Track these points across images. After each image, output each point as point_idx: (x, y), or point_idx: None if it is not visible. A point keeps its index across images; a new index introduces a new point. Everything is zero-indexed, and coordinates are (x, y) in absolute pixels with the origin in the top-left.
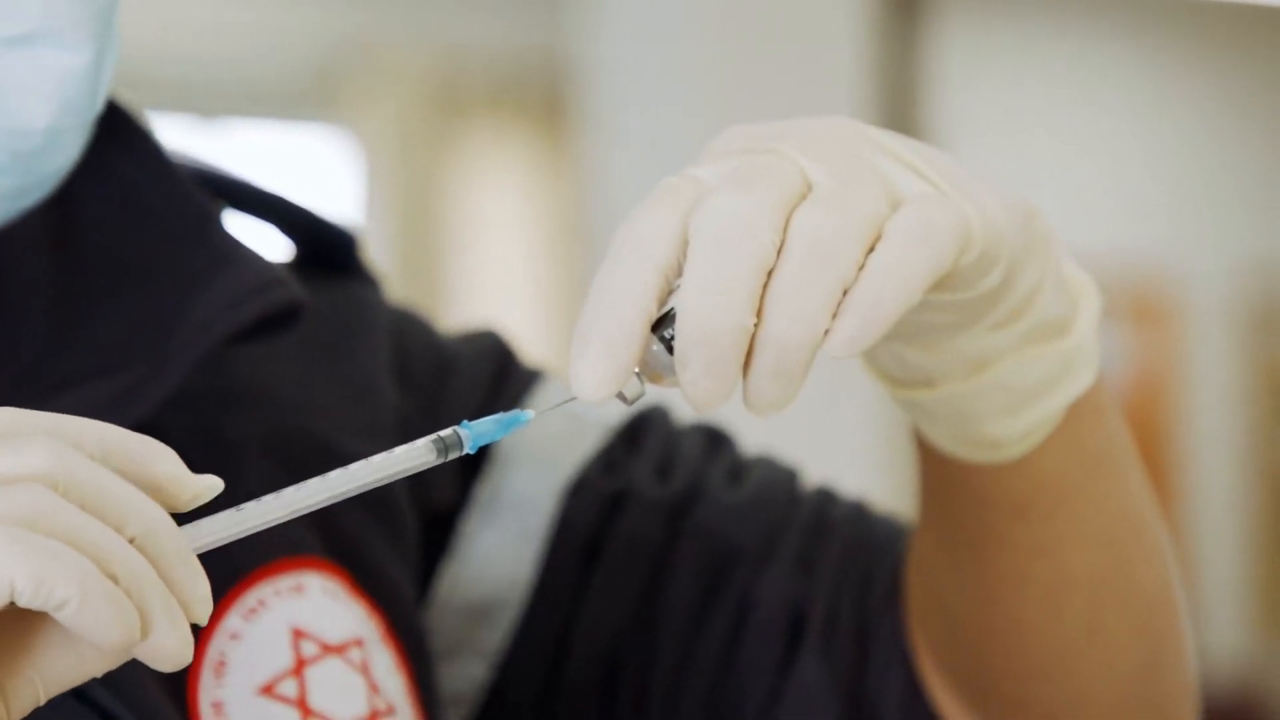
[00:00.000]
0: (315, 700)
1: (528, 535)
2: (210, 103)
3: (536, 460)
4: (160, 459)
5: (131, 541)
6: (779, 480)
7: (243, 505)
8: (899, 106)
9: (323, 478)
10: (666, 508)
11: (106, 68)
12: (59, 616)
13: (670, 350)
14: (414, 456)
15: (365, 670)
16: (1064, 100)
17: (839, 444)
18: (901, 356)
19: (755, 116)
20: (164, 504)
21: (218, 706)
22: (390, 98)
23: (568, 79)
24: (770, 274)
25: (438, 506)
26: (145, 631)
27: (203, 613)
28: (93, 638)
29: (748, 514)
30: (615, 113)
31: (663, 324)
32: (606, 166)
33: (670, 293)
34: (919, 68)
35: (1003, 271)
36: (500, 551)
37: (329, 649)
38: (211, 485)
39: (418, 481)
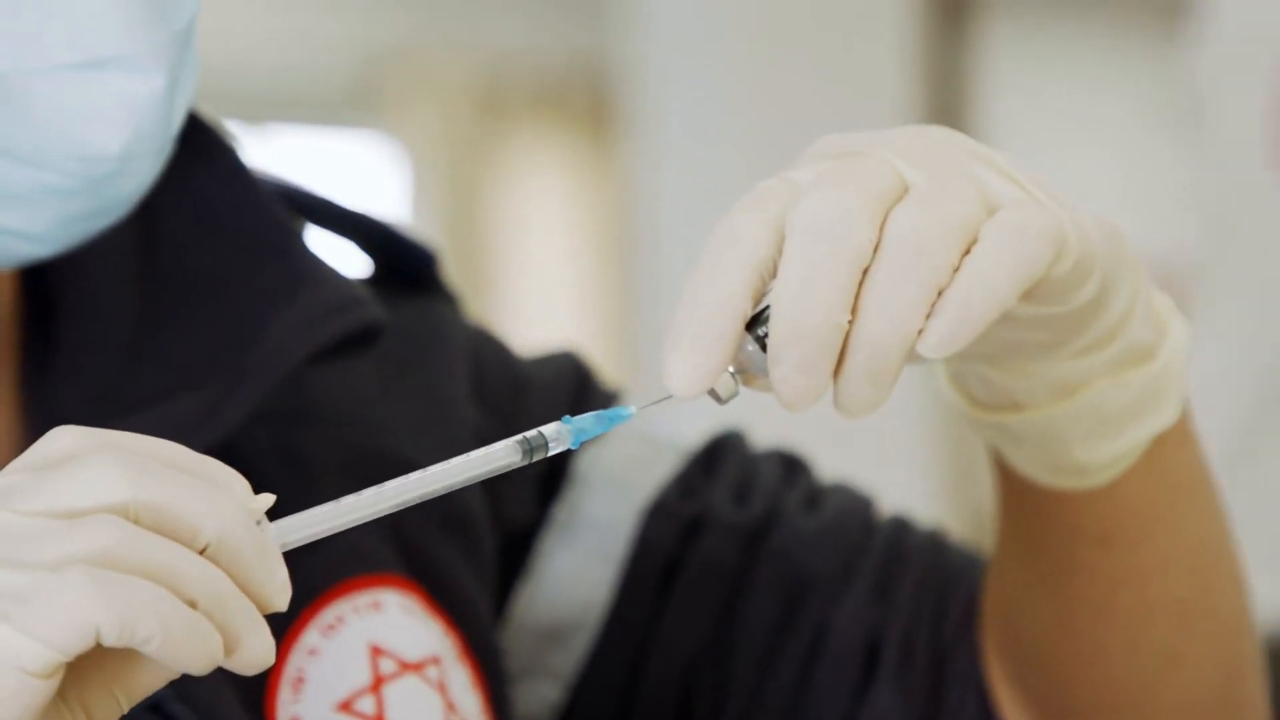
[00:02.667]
0: (393, 717)
1: (606, 557)
2: (256, 109)
3: (614, 482)
4: (222, 472)
5: (205, 550)
6: (855, 508)
7: (318, 507)
8: (945, 109)
9: (404, 479)
10: (744, 532)
11: (182, 93)
12: (144, 651)
13: (764, 349)
14: (502, 456)
15: (442, 688)
16: (1112, 104)
17: (895, 463)
18: (988, 379)
19: (799, 120)
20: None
21: None
22: (435, 103)
23: (611, 84)
24: (865, 272)
25: (516, 526)
26: (229, 649)
27: (283, 601)
28: (178, 666)
29: (824, 541)
30: (659, 117)
31: (757, 323)
32: (650, 171)
33: (766, 293)
34: (966, 71)
35: (1096, 286)
36: (577, 572)
37: (407, 666)
38: (265, 501)
39: (496, 499)
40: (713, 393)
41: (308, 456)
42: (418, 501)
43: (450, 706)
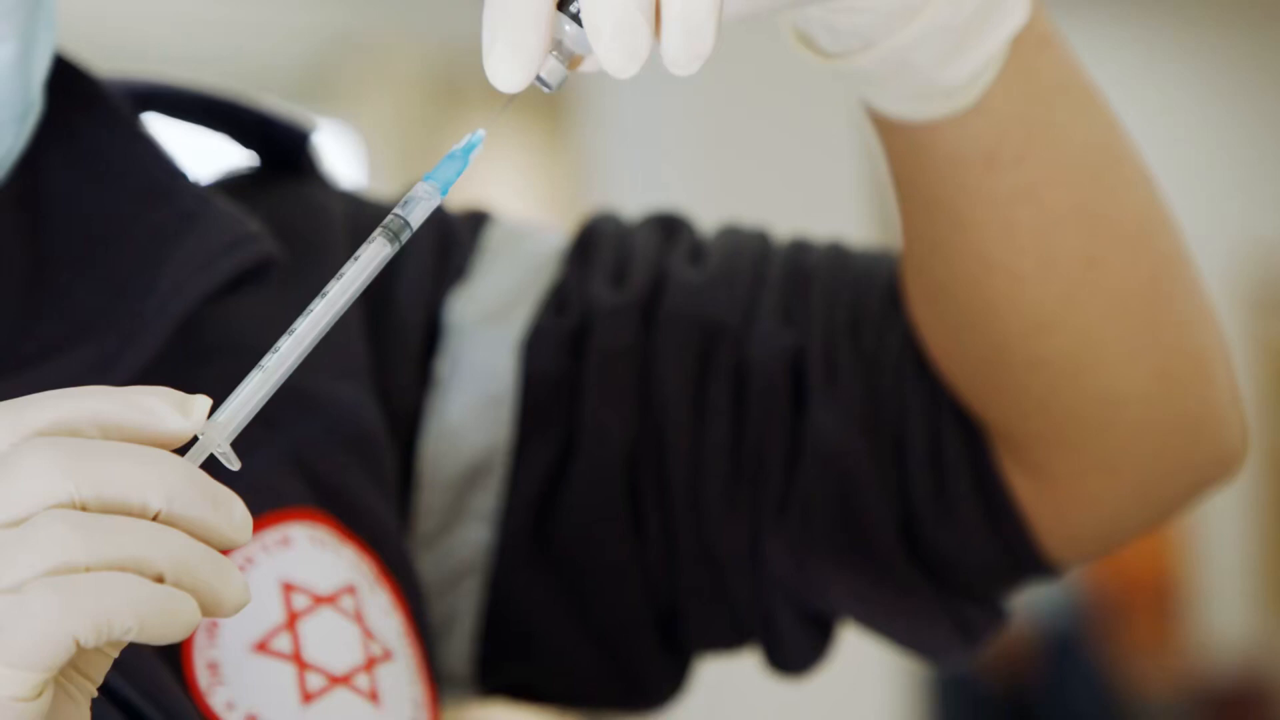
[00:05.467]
0: (310, 653)
1: (495, 400)
2: (211, 85)
3: (488, 322)
4: (150, 398)
5: (158, 516)
6: (745, 245)
7: (243, 383)
8: None
9: (304, 314)
10: (633, 309)
11: (37, 58)
12: (124, 640)
13: (581, 25)
14: (376, 253)
15: (359, 617)
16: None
17: None
18: (832, 25)
19: (753, 102)
20: (170, 439)
21: (213, 667)
22: (389, 91)
23: None
24: None
25: (411, 413)
26: (206, 608)
27: (246, 534)
28: (161, 642)
29: (718, 286)
30: (612, 105)
31: (567, 2)
32: (604, 156)
33: None
34: None
35: None
36: (472, 419)
37: (320, 600)
38: (204, 402)
39: (386, 397)
40: (540, 80)
41: (210, 395)
42: (328, 329)
43: (368, 634)
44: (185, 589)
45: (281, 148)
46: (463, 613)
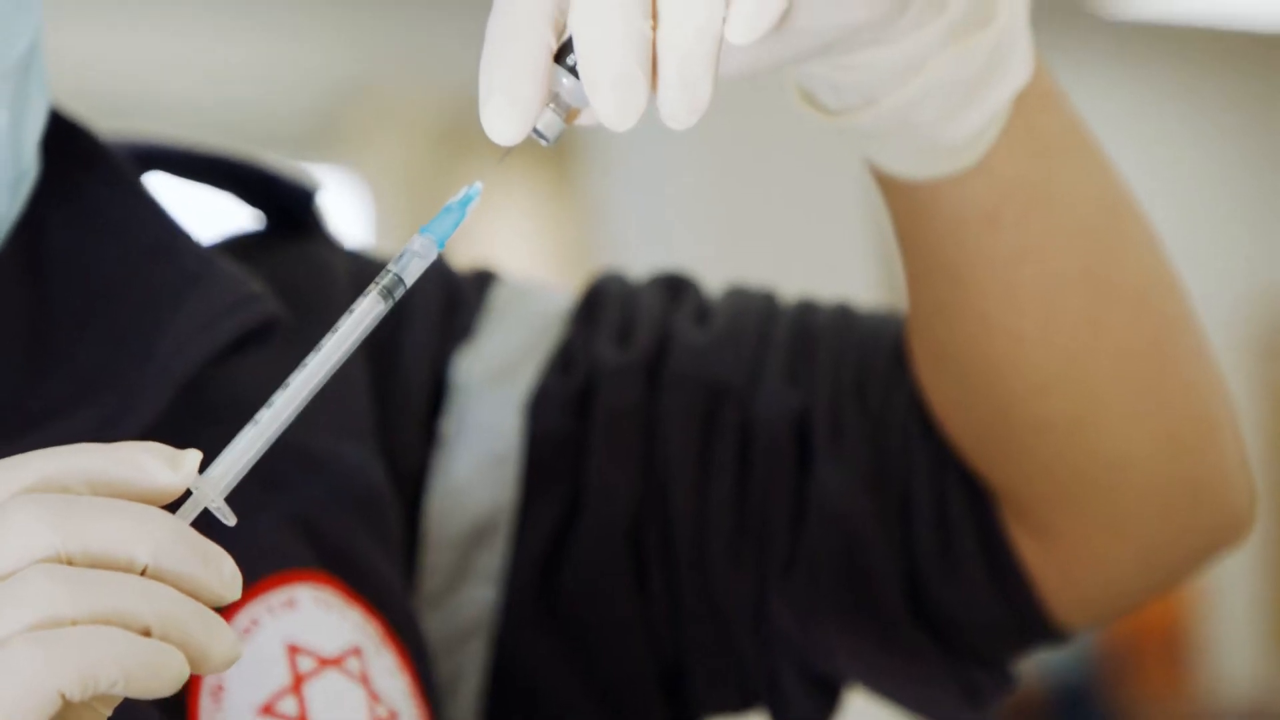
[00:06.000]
0: (316, 715)
1: (499, 459)
2: (217, 144)
3: (494, 382)
4: (140, 453)
5: (145, 571)
6: (751, 305)
7: (236, 438)
8: None
9: (299, 369)
10: (637, 369)
11: (29, 125)
12: (110, 694)
13: (577, 77)
14: (370, 309)
15: (364, 679)
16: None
17: None
18: (835, 83)
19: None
20: (160, 494)
21: None
22: (396, 138)
23: None
24: None
25: (416, 466)
26: (194, 662)
27: (235, 591)
28: (147, 696)
29: (723, 347)
30: (620, 152)
31: (565, 54)
32: (611, 203)
33: (566, 28)
34: None
35: None
36: (477, 477)
37: (326, 662)
38: (195, 456)
39: (391, 457)
40: (537, 133)
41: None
42: (320, 386)
43: (374, 697)
44: (173, 643)
45: (286, 206)
46: (469, 672)
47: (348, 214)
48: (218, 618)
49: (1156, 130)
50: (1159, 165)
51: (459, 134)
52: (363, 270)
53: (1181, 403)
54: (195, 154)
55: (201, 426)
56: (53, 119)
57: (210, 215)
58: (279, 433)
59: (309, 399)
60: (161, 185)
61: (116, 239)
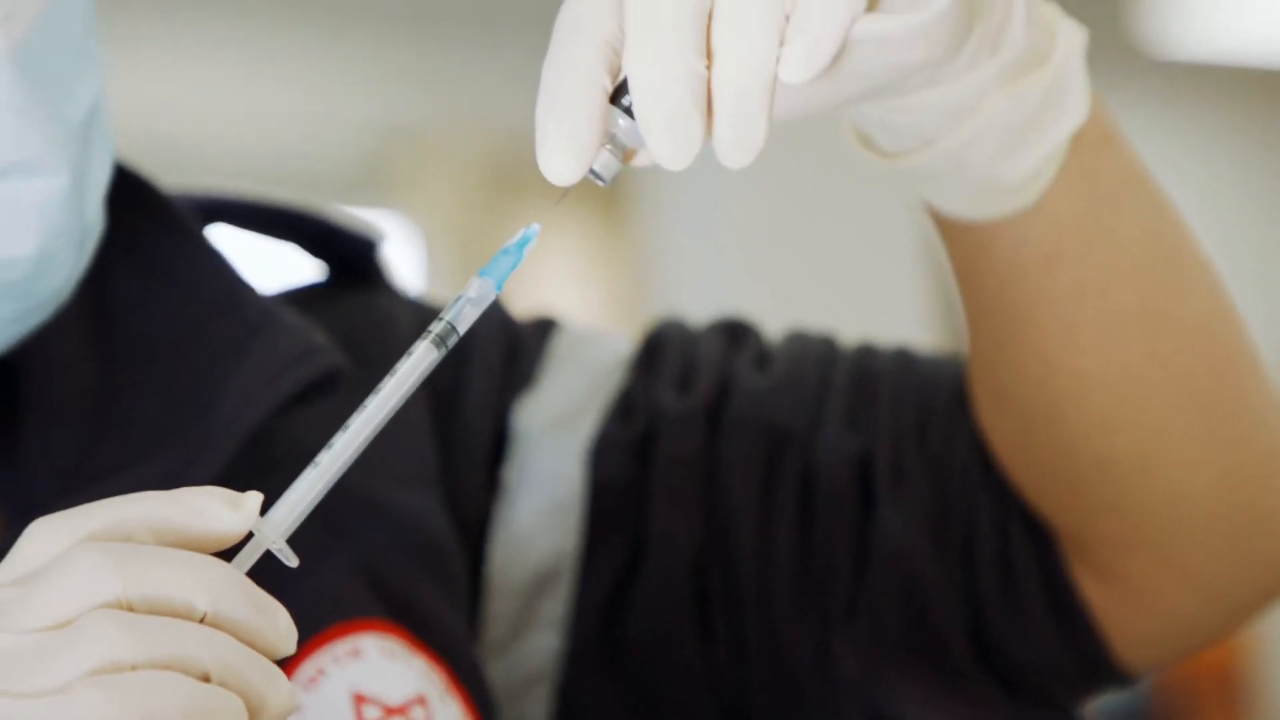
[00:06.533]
0: None
1: (562, 507)
2: (268, 190)
3: (555, 429)
4: (201, 498)
5: (204, 619)
6: (810, 350)
7: (296, 482)
8: None
9: (359, 410)
10: (699, 415)
11: (93, 183)
12: None
13: (633, 117)
14: (424, 357)
15: None
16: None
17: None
18: (889, 124)
19: (814, 189)
20: (223, 537)
21: None
22: (447, 182)
23: None
24: (711, 16)
25: (479, 514)
26: (252, 710)
27: (291, 644)
28: None
29: (783, 392)
30: (672, 193)
31: (620, 95)
32: (664, 247)
33: (621, 68)
34: None
35: None
36: (540, 526)
37: (391, 711)
38: (256, 498)
39: (455, 504)
40: (594, 174)
41: None
42: (380, 428)
43: None
44: (231, 689)
45: (348, 257)
46: (533, 719)
47: (400, 258)
48: (274, 666)
49: (1206, 171)
50: (1209, 205)
51: (510, 176)
52: (425, 319)
53: (1244, 436)
54: (258, 206)
55: (266, 478)
56: (117, 173)
57: (273, 267)
58: (339, 474)
59: (369, 440)
60: (225, 237)
61: (180, 291)
